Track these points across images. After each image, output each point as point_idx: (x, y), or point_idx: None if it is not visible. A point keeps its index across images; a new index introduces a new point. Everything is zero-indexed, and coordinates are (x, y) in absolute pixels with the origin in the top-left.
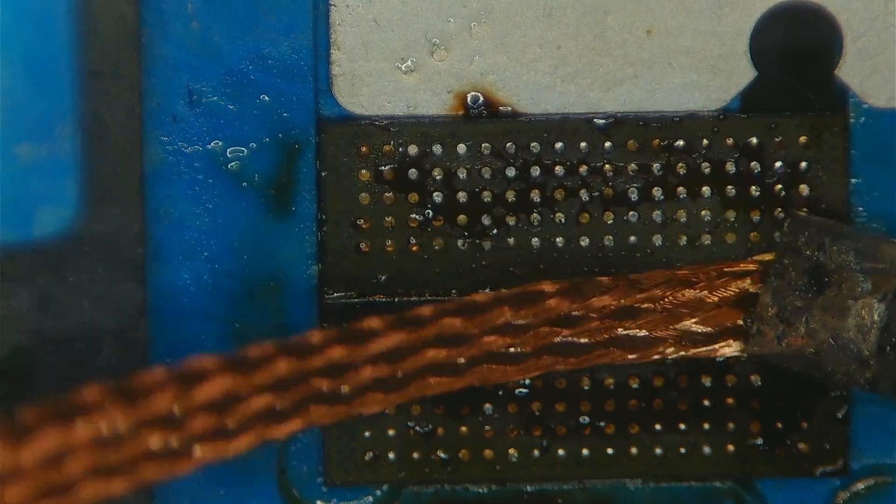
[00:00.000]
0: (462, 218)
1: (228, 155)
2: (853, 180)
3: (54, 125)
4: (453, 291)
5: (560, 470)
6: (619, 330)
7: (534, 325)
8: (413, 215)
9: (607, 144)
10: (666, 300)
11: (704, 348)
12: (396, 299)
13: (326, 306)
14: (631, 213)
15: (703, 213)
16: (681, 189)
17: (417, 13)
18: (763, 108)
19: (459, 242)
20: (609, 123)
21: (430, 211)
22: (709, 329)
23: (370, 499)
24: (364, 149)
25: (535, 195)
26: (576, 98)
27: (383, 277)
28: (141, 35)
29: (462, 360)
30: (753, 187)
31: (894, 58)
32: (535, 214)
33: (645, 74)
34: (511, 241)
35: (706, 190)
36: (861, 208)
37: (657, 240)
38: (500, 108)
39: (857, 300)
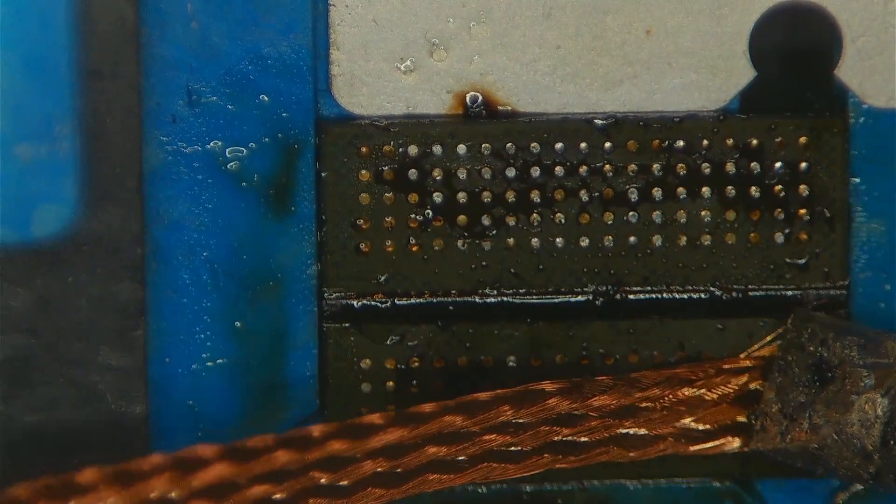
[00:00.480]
0: (462, 218)
1: (228, 155)
2: (853, 180)
3: (54, 125)
4: (452, 291)
5: (560, 470)
6: (619, 429)
7: (534, 424)
8: (413, 215)
9: (607, 145)
10: (665, 399)
11: (705, 445)
12: (396, 300)
13: (326, 306)
14: (631, 213)
15: (702, 213)
16: (681, 189)
17: (417, 13)
18: (763, 108)
19: (459, 243)
20: (609, 124)
21: (429, 211)
22: (708, 426)
23: None
24: (364, 149)
25: (535, 195)
26: (575, 98)
27: (383, 277)
28: (140, 35)
29: (462, 458)
30: (753, 188)
31: (894, 58)
32: (534, 215)
33: (644, 75)
34: (511, 241)
35: (706, 190)
36: (861, 208)
37: (657, 240)
38: (500, 108)
39: (861, 395)
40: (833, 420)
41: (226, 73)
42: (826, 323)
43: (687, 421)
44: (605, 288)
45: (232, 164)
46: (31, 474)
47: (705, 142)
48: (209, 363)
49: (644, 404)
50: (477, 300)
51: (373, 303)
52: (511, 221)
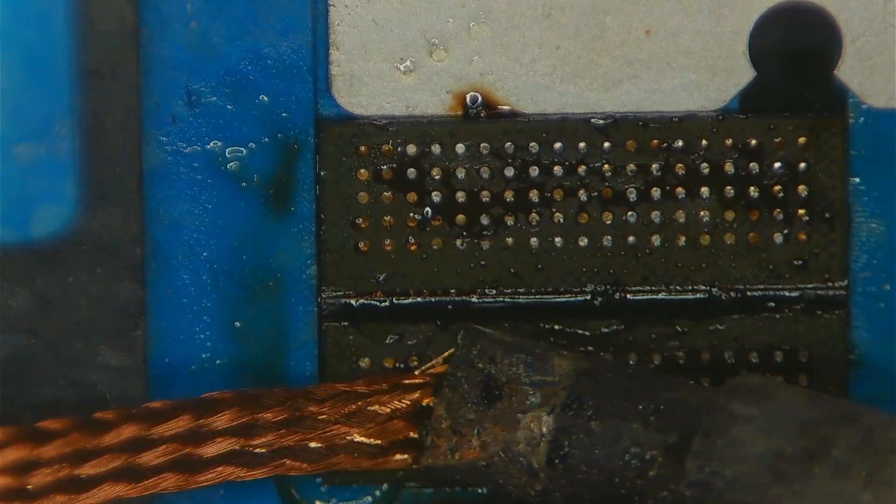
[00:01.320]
0: (461, 217)
1: (227, 155)
2: (853, 180)
3: (53, 125)
4: (451, 290)
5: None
6: (292, 442)
7: (210, 436)
8: (412, 215)
9: (606, 145)
10: (338, 412)
11: (378, 460)
12: (395, 299)
13: (325, 305)
14: (630, 213)
15: (701, 213)
16: (680, 189)
17: (416, 13)
18: (762, 108)
19: (458, 242)
20: (608, 123)
21: (428, 210)
22: (379, 442)
23: (369, 499)
24: (363, 148)
25: (534, 195)
26: (575, 98)
27: (382, 277)
28: (140, 35)
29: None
30: (753, 188)
31: (894, 58)
32: (533, 214)
33: (644, 75)
34: (510, 240)
35: (705, 190)
36: (861, 208)
37: (656, 240)
38: (499, 108)
39: (527, 413)
40: (500, 438)
41: (226, 73)
42: (495, 339)
43: (356, 436)
44: (604, 288)
45: (232, 164)
46: None
47: (704, 142)
48: (209, 363)
49: (321, 417)
50: (476, 299)
51: (372, 302)
52: (510, 221)
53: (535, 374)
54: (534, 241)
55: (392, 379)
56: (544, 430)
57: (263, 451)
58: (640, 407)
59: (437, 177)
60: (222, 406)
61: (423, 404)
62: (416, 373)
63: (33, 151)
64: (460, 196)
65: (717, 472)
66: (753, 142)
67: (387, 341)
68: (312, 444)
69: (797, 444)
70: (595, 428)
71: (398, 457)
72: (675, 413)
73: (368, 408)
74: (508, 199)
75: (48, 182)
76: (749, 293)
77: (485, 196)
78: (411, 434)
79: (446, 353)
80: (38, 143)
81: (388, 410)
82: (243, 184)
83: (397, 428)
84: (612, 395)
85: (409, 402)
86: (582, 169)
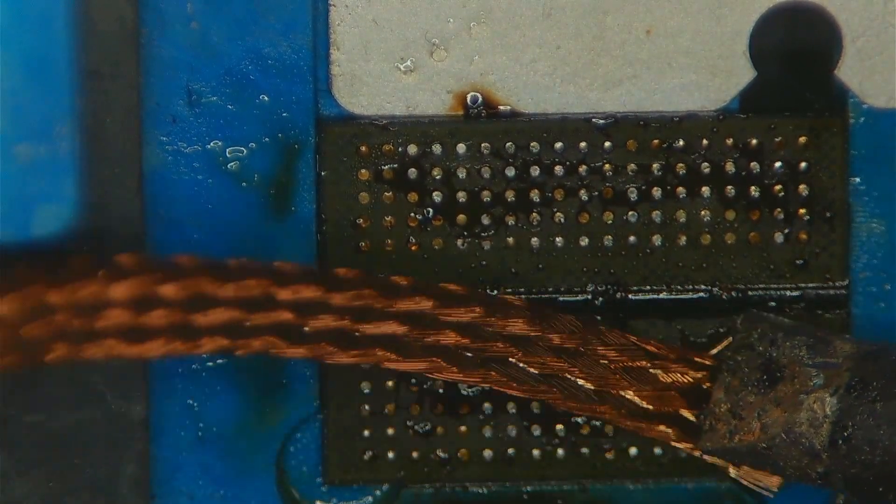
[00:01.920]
0: (461, 217)
1: (228, 155)
2: (853, 180)
3: (53, 125)
4: None
5: (560, 470)
6: (567, 374)
7: (493, 336)
8: (412, 215)
9: (607, 144)
10: (621, 362)
11: (641, 424)
12: None
13: None
14: (630, 213)
15: (702, 213)
16: (680, 189)
17: (417, 13)
18: (762, 108)
19: (459, 242)
20: (608, 123)
21: (429, 210)
22: (650, 407)
23: (370, 498)
24: (363, 148)
25: (535, 195)
26: (575, 98)
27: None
28: (140, 35)
29: (417, 344)
30: (753, 187)
31: (894, 58)
32: (534, 214)
33: (644, 75)
34: (510, 240)
35: (706, 190)
36: (861, 208)
37: (657, 239)
38: (500, 108)
39: (810, 394)
40: (782, 420)
41: (226, 73)
42: (775, 323)
43: (630, 393)
44: (604, 287)
45: (232, 164)
46: (31, 474)
47: (705, 141)
48: (209, 363)
49: (602, 360)
50: None
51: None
52: (511, 221)
53: (818, 355)
54: (534, 240)
55: (682, 352)
56: (828, 410)
57: (534, 370)
58: None
59: (437, 177)
60: (515, 312)
61: (703, 386)
62: (711, 353)
63: (34, 151)
64: (461, 196)
65: None
66: (754, 141)
67: None
68: (581, 382)
69: None
70: (879, 409)
71: (661, 428)
72: None
73: (651, 370)
74: (509, 199)
75: (48, 182)
76: (750, 293)
77: (485, 196)
78: (682, 410)
79: (726, 342)
80: (38, 143)
81: (670, 380)
82: (244, 184)
83: (672, 399)
84: (895, 377)
85: (691, 379)
86: (583, 169)
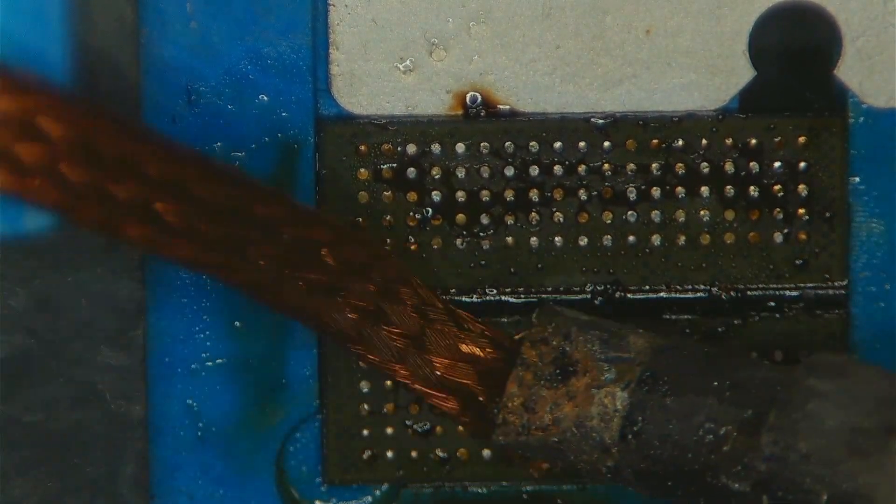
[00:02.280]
0: (461, 217)
1: (228, 155)
2: (853, 180)
3: None
4: (451, 290)
5: (560, 470)
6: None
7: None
8: (412, 214)
9: (606, 144)
10: (429, 322)
11: (429, 391)
12: None
13: None
14: (630, 212)
15: (701, 212)
16: (680, 189)
17: (416, 13)
18: (762, 108)
19: (458, 241)
20: (608, 123)
21: (428, 210)
22: (442, 373)
23: (369, 498)
24: (363, 148)
25: (534, 194)
26: (574, 98)
27: None
28: (140, 35)
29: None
30: (752, 187)
31: (894, 58)
32: (533, 214)
33: (644, 74)
34: (510, 240)
35: (705, 190)
36: (861, 208)
37: (656, 239)
38: (499, 107)
39: (601, 389)
40: (573, 414)
41: (226, 73)
42: (571, 317)
43: (429, 357)
44: (603, 287)
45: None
46: (31, 474)
47: (704, 141)
48: (209, 363)
49: (412, 314)
50: (476, 299)
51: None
52: (510, 220)
53: (611, 350)
54: (534, 240)
55: (488, 328)
56: (618, 405)
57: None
58: (716, 383)
59: (437, 176)
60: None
61: (498, 368)
62: (515, 336)
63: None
64: (460, 195)
65: (792, 446)
66: (753, 141)
67: None
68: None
69: (874, 418)
70: (670, 403)
71: (447, 402)
72: (751, 389)
73: (454, 337)
74: (508, 199)
75: None
76: (749, 293)
77: (485, 195)
78: (469, 385)
79: (520, 334)
80: None
81: (469, 351)
82: None
83: (463, 371)
84: (687, 372)
85: (492, 355)
86: (582, 168)
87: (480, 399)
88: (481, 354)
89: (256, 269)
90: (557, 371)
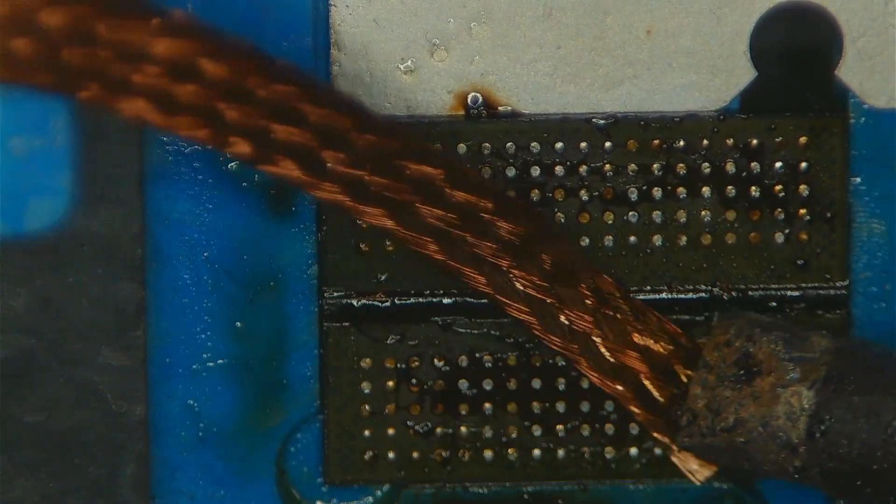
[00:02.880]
0: None
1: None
2: (853, 180)
3: (50, 121)
4: (453, 290)
5: (560, 470)
6: (552, 301)
7: (488, 235)
8: None
9: (607, 145)
10: (605, 307)
11: (601, 376)
12: (396, 299)
13: (326, 306)
14: (631, 213)
15: (703, 213)
16: (681, 189)
17: (417, 13)
18: (763, 108)
19: None
20: (609, 123)
21: None
22: (612, 360)
23: (370, 499)
24: None
25: (535, 195)
26: (575, 98)
27: (383, 277)
28: None
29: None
30: (753, 188)
31: (894, 58)
32: None
33: (645, 75)
34: None
35: (706, 190)
36: (861, 208)
37: (657, 240)
38: (500, 108)
39: (787, 388)
40: (759, 414)
41: None
42: (752, 319)
43: (599, 342)
44: None
45: (233, 163)
46: (31, 474)
47: (705, 142)
48: (209, 363)
49: (588, 300)
50: (476, 300)
51: (373, 302)
52: None
53: (795, 350)
54: None
55: (669, 326)
56: (805, 404)
57: (520, 286)
58: None
59: None
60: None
61: (673, 365)
62: (699, 340)
63: (29, 145)
64: None
65: None
66: (754, 142)
67: (388, 341)
68: (562, 318)
69: None
70: (857, 402)
71: (619, 386)
72: None
73: (629, 327)
74: None
75: (48, 182)
76: (750, 293)
77: None
78: (644, 380)
79: (704, 340)
80: (34, 138)
81: (643, 343)
82: (244, 184)
83: (634, 360)
84: (872, 371)
85: (663, 350)
86: (583, 169)
87: (654, 393)
88: (656, 348)
89: (423, 225)
90: (741, 372)
